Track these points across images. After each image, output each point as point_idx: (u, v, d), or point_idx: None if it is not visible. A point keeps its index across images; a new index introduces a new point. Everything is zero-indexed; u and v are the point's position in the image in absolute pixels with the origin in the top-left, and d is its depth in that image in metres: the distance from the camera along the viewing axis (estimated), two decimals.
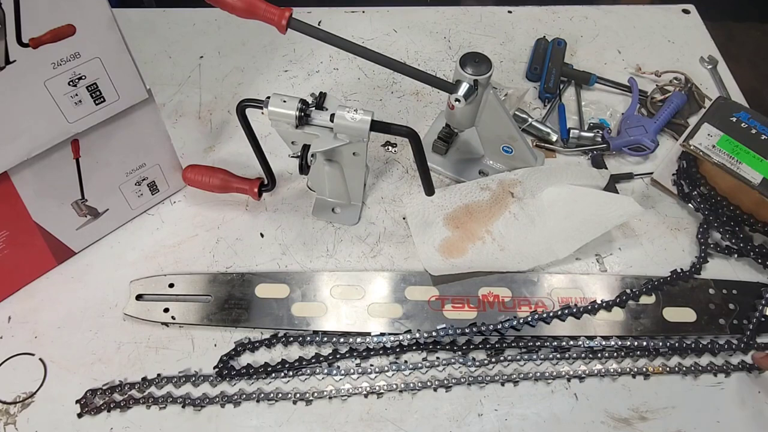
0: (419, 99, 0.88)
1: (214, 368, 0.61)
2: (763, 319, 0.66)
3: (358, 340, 0.63)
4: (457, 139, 0.81)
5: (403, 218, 0.74)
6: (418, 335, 0.62)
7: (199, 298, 0.66)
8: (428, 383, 0.61)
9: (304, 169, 0.65)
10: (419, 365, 0.62)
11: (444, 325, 0.63)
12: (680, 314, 0.67)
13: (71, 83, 0.54)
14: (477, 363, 0.62)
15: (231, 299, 0.65)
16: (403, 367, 0.61)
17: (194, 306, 0.65)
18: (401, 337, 0.62)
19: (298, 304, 0.65)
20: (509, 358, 0.63)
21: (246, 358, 0.62)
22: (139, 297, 0.65)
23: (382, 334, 0.63)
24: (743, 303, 0.68)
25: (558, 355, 0.63)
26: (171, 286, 0.66)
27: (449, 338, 0.63)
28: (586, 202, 0.72)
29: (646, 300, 0.67)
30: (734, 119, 0.71)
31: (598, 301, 0.66)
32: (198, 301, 0.65)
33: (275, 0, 0.60)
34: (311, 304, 0.65)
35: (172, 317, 0.64)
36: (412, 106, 0.87)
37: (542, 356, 0.63)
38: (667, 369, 0.63)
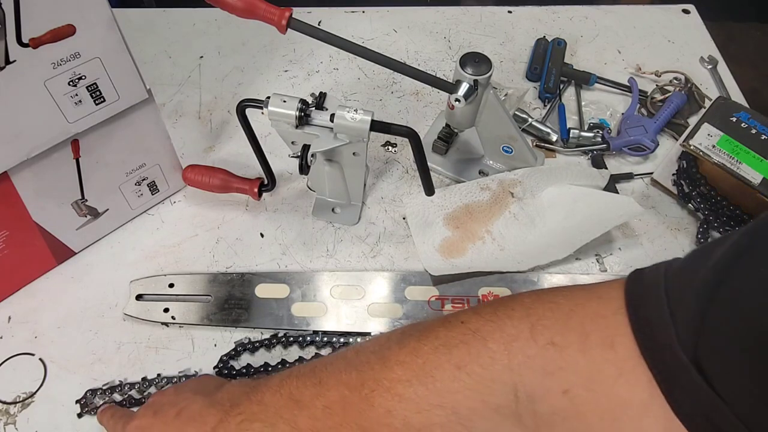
0: (419, 99, 0.88)
1: (214, 368, 0.61)
2: None
3: (358, 340, 0.63)
4: (457, 139, 0.81)
5: (403, 218, 0.74)
6: None
7: (199, 298, 0.66)
8: None
9: (304, 169, 0.65)
10: None
11: None
12: None
13: (71, 83, 0.54)
14: None
15: (231, 299, 0.65)
16: None
17: (194, 306, 0.65)
18: None
19: (298, 304, 0.65)
20: None
21: (246, 359, 0.62)
22: (139, 297, 0.65)
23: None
24: None
25: None
26: (171, 286, 0.66)
27: None
28: (586, 202, 0.72)
29: None
30: (734, 119, 0.71)
31: None
32: (198, 301, 0.65)
33: (275, 0, 0.60)
34: (311, 304, 0.65)
35: (172, 317, 0.64)
36: (412, 106, 0.87)
37: None
38: None
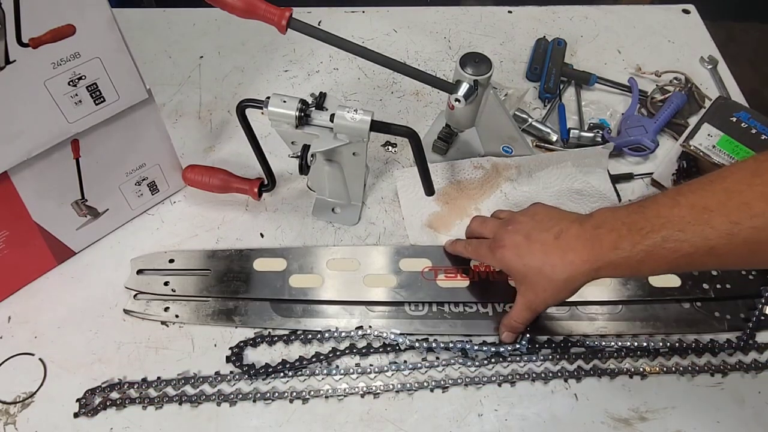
0: (419, 99, 0.88)
1: (228, 360, 0.61)
2: (762, 318, 0.66)
3: (359, 333, 0.63)
4: (457, 139, 0.81)
5: (398, 205, 0.74)
6: (416, 344, 0.62)
7: (198, 272, 0.67)
8: (425, 383, 0.61)
9: (304, 169, 0.65)
10: (419, 365, 0.62)
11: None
12: (665, 280, 0.67)
13: (71, 83, 0.54)
14: (477, 363, 0.62)
15: (230, 272, 0.66)
16: (402, 367, 0.61)
17: (193, 279, 0.66)
18: (401, 339, 0.62)
19: (295, 276, 0.66)
20: (509, 358, 0.63)
21: (246, 358, 0.62)
22: (139, 272, 0.66)
23: (382, 334, 0.63)
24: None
25: (558, 355, 0.63)
26: (171, 261, 0.67)
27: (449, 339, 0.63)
28: (579, 184, 0.73)
29: None
30: (734, 119, 0.71)
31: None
32: (197, 275, 0.66)
33: (275, 0, 0.60)
34: (308, 275, 0.67)
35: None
36: (412, 106, 0.87)
37: (542, 356, 0.63)
38: (664, 369, 0.63)
